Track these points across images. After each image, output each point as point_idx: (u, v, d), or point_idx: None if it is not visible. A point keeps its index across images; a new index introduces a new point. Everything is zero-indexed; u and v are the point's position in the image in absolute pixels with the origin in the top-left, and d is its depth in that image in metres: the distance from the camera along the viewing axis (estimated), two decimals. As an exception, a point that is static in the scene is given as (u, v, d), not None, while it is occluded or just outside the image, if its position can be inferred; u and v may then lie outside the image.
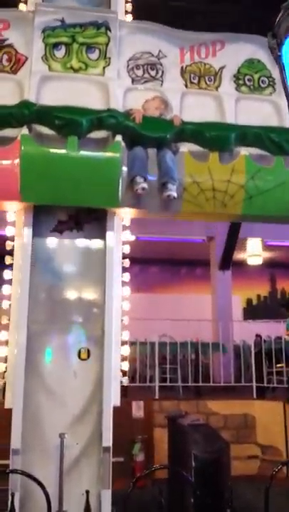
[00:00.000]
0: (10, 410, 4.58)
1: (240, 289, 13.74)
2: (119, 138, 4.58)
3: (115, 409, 4.72)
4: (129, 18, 5.32)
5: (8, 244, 5.00)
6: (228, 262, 12.51)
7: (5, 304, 4.92)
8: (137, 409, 8.98)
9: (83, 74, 4.82)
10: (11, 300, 4.91)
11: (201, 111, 4.87)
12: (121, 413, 4.92)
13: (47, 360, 4.77)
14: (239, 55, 5.08)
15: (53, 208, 4.95)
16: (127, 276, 5.22)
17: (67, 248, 4.98)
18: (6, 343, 4.88)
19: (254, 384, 9.78)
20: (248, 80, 5.05)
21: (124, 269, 5.22)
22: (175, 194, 4.49)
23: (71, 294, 4.93)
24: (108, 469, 4.50)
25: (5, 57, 4.81)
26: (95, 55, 4.85)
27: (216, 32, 5.11)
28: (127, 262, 5.22)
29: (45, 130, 4.60)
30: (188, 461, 5.71)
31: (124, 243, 5.27)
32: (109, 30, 4.88)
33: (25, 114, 4.49)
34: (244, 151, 4.76)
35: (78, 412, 4.66)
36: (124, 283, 5.20)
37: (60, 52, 4.82)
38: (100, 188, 4.61)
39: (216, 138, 4.67)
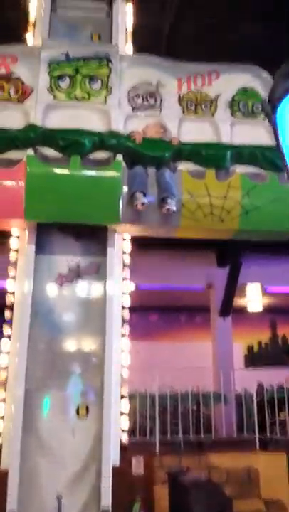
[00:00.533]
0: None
1: (241, 336, 13.65)
2: (120, 157, 4.83)
3: (114, 465, 4.61)
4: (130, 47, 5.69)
5: (9, 300, 4.98)
6: (228, 308, 12.48)
7: (3, 360, 4.84)
8: (137, 466, 8.69)
9: (86, 102, 5.12)
10: (9, 355, 4.83)
11: (198, 134, 5.14)
12: (120, 469, 4.76)
13: (45, 417, 4.68)
14: (234, 84, 5.41)
15: (53, 259, 5.07)
16: (126, 329, 5.11)
17: (66, 300, 5.00)
18: (4, 400, 4.75)
19: (257, 436, 9.57)
20: (243, 106, 5.34)
21: (124, 321, 5.14)
22: (174, 208, 4.67)
23: (70, 347, 4.92)
24: None
25: (12, 88, 5.13)
26: (97, 86, 5.17)
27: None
28: (126, 313, 5.15)
29: (49, 152, 4.86)
30: (190, 520, 5.55)
31: (124, 294, 5.21)
32: (111, 63, 5.23)
33: (31, 136, 4.78)
34: (239, 169, 5.00)
35: (76, 471, 4.58)
36: (124, 335, 5.10)
37: (65, 83, 5.14)
38: (102, 205, 4.83)
39: (213, 156, 4.93)
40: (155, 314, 14.74)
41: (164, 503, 7.00)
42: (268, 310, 13.69)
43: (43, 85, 5.09)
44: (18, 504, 4.31)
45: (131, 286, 5.30)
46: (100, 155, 4.89)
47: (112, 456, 4.57)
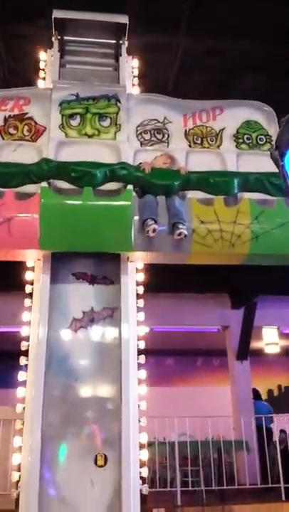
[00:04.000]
0: None
1: (259, 380, 13.39)
2: (130, 187, 5.00)
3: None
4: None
5: (23, 345, 4.99)
6: (245, 351, 12.44)
7: (19, 408, 4.79)
8: (159, 518, 8.47)
9: (96, 139, 5.35)
10: (24, 403, 4.78)
11: (205, 165, 5.30)
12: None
13: (62, 467, 4.56)
14: (237, 118, 5.64)
15: (67, 302, 5.07)
16: (143, 374, 5.06)
17: (81, 346, 4.97)
18: (20, 448, 4.65)
19: (282, 485, 9.29)
20: (247, 138, 5.55)
21: (140, 366, 5.08)
22: (186, 232, 4.77)
23: (86, 394, 4.85)
24: None
25: (26, 128, 5.38)
26: (106, 123, 5.41)
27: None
28: (142, 358, 5.10)
29: (62, 184, 5.02)
30: None
31: (139, 339, 5.17)
32: (119, 102, 5.49)
33: (45, 169, 4.96)
34: (247, 195, 5.11)
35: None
36: (140, 380, 5.04)
37: (76, 121, 5.38)
38: (114, 234, 4.94)
39: (220, 183, 5.08)
40: (171, 358, 14.63)
41: None
42: (287, 352, 13.55)
43: (55, 123, 5.32)
44: None
45: (145, 329, 5.26)
46: (111, 186, 5.05)
47: (132, 509, 4.37)
